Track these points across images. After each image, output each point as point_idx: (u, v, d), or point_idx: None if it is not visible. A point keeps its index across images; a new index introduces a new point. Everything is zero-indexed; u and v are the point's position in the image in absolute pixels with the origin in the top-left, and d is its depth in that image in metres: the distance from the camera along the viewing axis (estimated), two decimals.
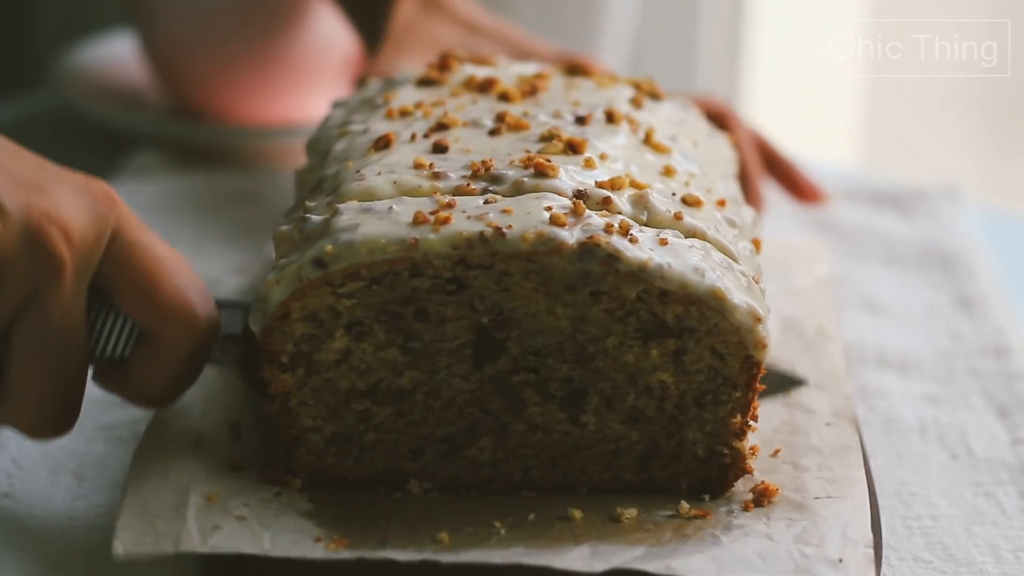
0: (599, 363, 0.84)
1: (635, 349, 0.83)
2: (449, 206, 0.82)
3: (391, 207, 0.83)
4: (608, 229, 0.81)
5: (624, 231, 0.82)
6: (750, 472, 0.86)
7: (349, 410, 0.85)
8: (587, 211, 0.82)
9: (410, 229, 0.81)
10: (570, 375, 0.84)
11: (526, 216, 0.82)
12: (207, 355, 0.85)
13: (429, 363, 0.84)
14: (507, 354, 0.83)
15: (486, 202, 0.83)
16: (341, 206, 0.84)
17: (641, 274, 0.81)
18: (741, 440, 0.85)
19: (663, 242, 0.82)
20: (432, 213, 0.82)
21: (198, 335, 0.83)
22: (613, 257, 0.81)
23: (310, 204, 0.87)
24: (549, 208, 0.82)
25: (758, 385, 0.85)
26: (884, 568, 0.85)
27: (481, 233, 0.81)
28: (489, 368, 0.84)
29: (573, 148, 0.89)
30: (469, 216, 0.82)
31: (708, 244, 0.85)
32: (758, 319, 0.82)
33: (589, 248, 0.81)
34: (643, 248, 0.81)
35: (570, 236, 0.81)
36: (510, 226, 0.81)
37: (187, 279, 0.83)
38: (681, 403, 0.85)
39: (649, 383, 0.84)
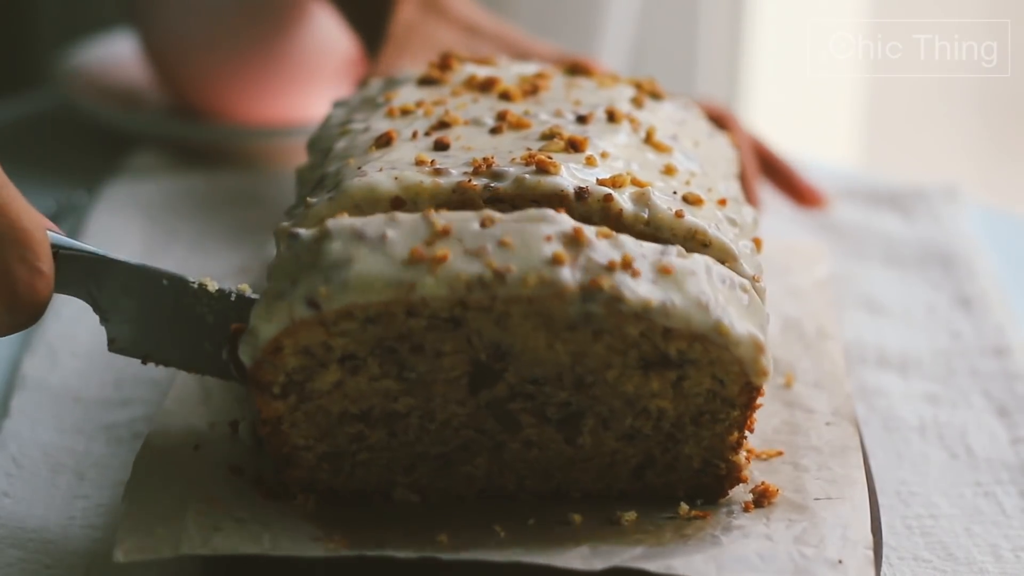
0: (597, 391, 0.83)
1: (635, 379, 0.83)
2: (444, 233, 0.80)
3: (384, 233, 0.81)
4: (611, 266, 0.80)
5: (626, 265, 0.80)
6: (745, 481, 0.85)
7: (342, 432, 0.84)
8: (589, 239, 0.80)
9: (405, 269, 0.79)
10: (567, 400, 0.83)
11: (526, 252, 0.80)
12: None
13: (424, 391, 0.83)
14: (504, 382, 0.83)
15: (483, 225, 0.81)
16: (331, 225, 0.81)
17: (645, 314, 0.80)
18: (737, 453, 0.85)
19: (666, 271, 0.81)
20: (427, 243, 0.80)
21: (12, 325, 0.83)
22: (616, 299, 0.79)
23: (311, 201, 0.87)
24: (549, 238, 0.80)
25: (757, 404, 0.84)
26: (884, 567, 0.85)
27: (480, 277, 0.79)
28: (485, 395, 0.83)
29: (574, 146, 0.89)
30: (467, 249, 0.80)
31: (709, 260, 0.83)
32: (761, 349, 0.82)
33: (591, 292, 0.79)
34: (645, 282, 0.80)
35: (571, 278, 0.79)
36: (509, 268, 0.79)
37: None
38: (678, 422, 0.84)
39: (647, 407, 0.84)
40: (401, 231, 0.81)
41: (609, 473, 0.85)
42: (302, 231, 0.82)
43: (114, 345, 0.86)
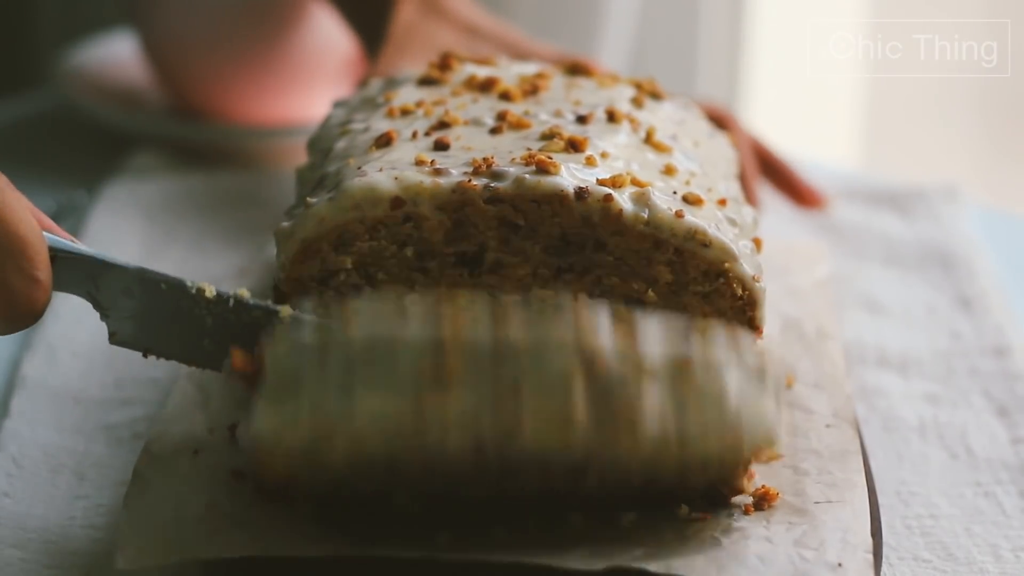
0: None
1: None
2: (454, 369, 0.76)
3: (394, 355, 0.76)
4: (627, 407, 0.76)
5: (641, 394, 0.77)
6: (746, 493, 0.85)
7: (343, 481, 0.83)
8: (607, 370, 0.76)
9: (412, 410, 0.76)
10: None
11: (539, 403, 0.76)
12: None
13: None
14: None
15: (496, 320, 0.77)
16: (337, 336, 0.77)
17: (657, 449, 0.78)
18: (740, 481, 0.84)
19: (684, 377, 0.78)
20: (435, 378, 0.76)
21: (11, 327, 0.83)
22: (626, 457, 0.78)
23: (311, 200, 0.87)
24: (568, 377, 0.76)
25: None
26: (884, 567, 0.85)
27: (491, 433, 0.77)
28: None
29: (574, 146, 0.89)
30: (479, 397, 0.76)
31: (732, 356, 0.79)
32: (771, 442, 0.80)
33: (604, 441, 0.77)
34: (659, 414, 0.77)
35: (583, 433, 0.77)
36: (522, 426, 0.76)
37: None
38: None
39: None
40: (408, 357, 0.77)
41: (612, 495, 0.85)
42: (307, 320, 0.78)
43: (115, 338, 0.87)
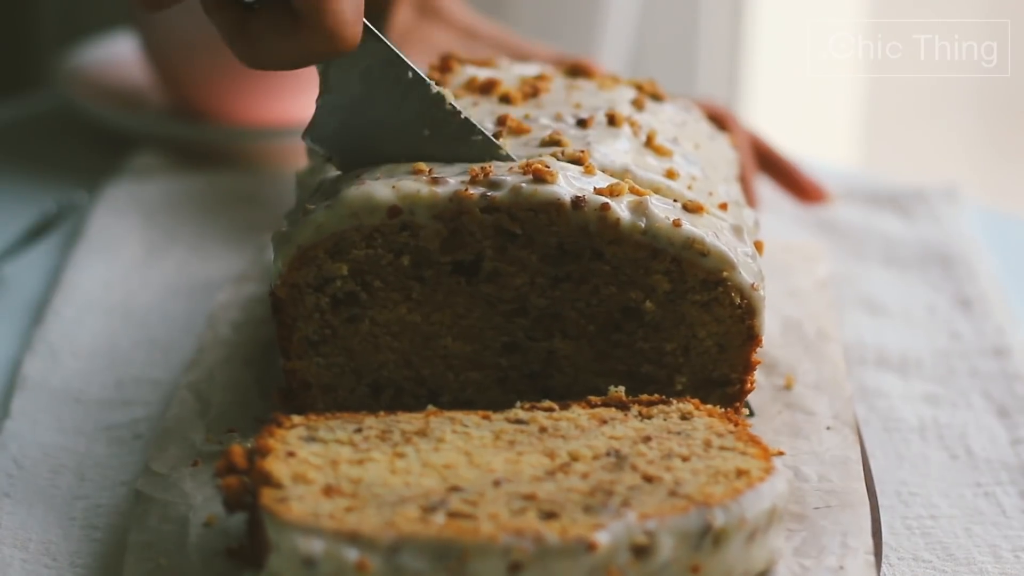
0: None
1: None
2: None
3: None
4: None
5: None
6: None
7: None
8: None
9: None
10: None
11: None
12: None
13: None
14: None
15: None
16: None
17: None
18: None
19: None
20: None
21: (331, 50, 0.84)
22: None
23: (309, 207, 0.87)
24: None
25: None
26: (884, 568, 0.85)
27: None
28: None
29: (574, 159, 0.89)
30: None
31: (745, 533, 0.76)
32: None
33: None
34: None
35: None
36: None
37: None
38: None
39: None
40: None
41: None
42: (317, 553, 0.73)
43: (311, 133, 0.89)
